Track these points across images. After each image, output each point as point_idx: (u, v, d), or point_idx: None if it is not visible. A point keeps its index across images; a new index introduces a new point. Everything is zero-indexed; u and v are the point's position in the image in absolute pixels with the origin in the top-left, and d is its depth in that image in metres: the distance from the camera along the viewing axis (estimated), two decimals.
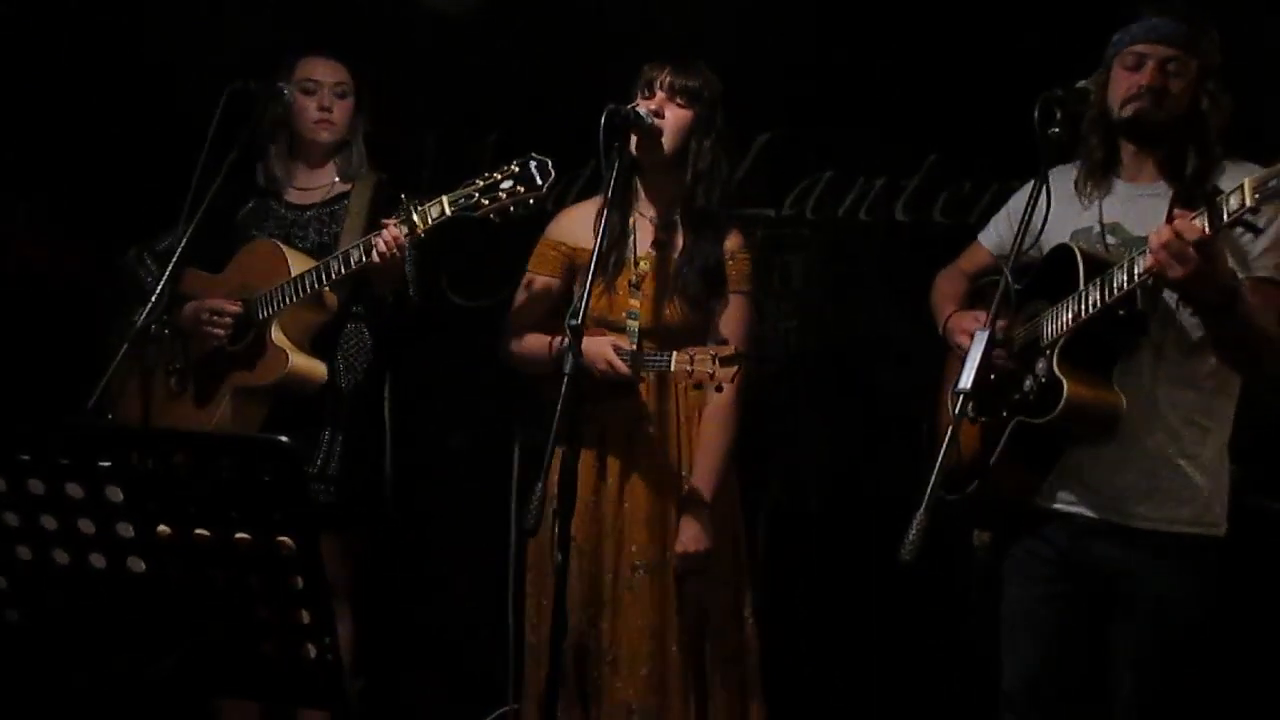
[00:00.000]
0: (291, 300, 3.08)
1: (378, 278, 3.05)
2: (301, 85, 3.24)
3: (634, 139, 2.88)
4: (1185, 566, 2.55)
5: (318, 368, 3.16)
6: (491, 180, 2.84)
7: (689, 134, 2.95)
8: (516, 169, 2.82)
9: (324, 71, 3.26)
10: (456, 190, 2.88)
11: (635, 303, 2.99)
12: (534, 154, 2.82)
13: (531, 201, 2.83)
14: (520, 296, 3.13)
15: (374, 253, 2.93)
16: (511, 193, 2.82)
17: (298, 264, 3.11)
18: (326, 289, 3.12)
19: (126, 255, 3.35)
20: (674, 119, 2.93)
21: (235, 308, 3.15)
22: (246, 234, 3.27)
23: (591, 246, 2.88)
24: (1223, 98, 2.53)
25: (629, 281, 3.01)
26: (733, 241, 3.04)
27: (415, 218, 2.92)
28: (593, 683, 3.00)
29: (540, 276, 3.12)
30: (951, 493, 2.67)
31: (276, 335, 3.12)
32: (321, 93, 3.25)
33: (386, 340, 3.29)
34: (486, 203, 2.84)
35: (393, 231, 2.92)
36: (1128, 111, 2.54)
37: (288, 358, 3.10)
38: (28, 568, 1.89)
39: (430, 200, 2.91)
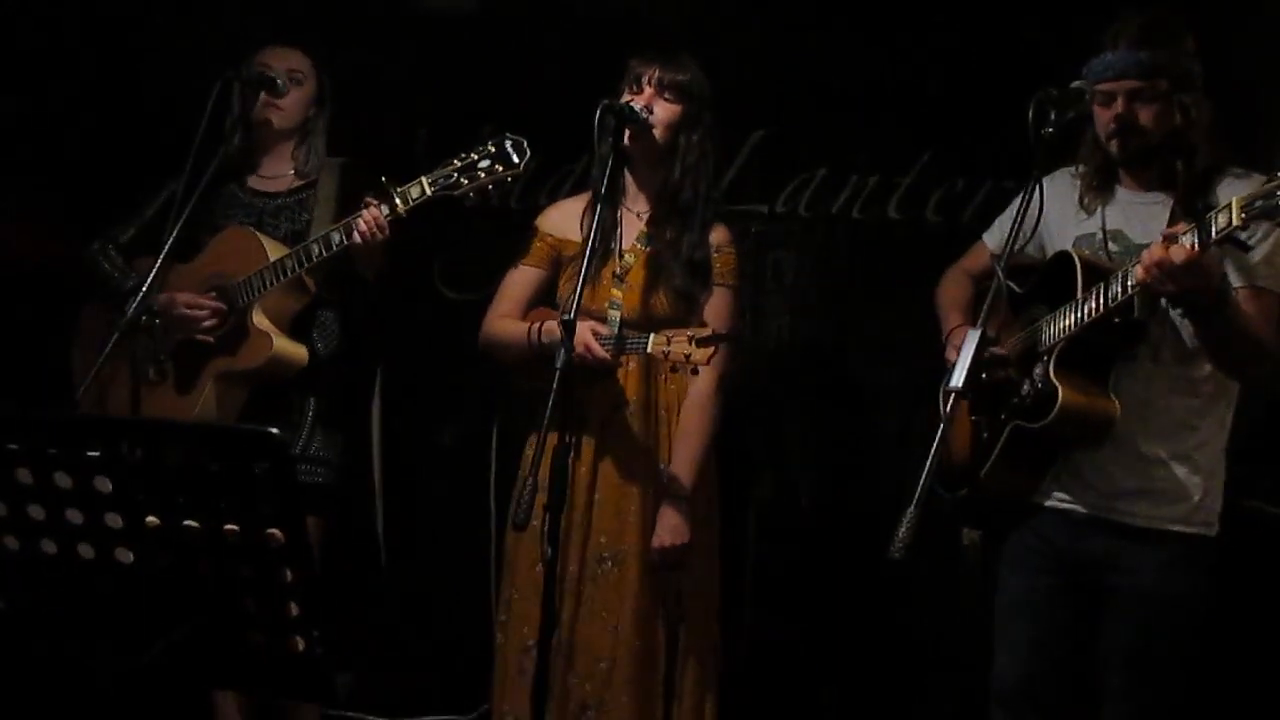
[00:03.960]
0: (272, 285, 3.08)
1: (360, 259, 3.04)
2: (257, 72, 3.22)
3: (627, 134, 2.89)
4: (1177, 564, 2.57)
5: (300, 351, 3.15)
6: (469, 160, 2.86)
7: (678, 129, 2.96)
8: (493, 148, 2.85)
9: (276, 58, 3.24)
10: (435, 170, 2.90)
11: (618, 293, 2.99)
12: (509, 133, 2.85)
13: (509, 180, 2.87)
14: (503, 285, 3.14)
15: (355, 234, 2.93)
16: (490, 171, 2.85)
17: (274, 251, 3.10)
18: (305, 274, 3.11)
19: (89, 248, 3.33)
20: (663, 114, 2.94)
21: (213, 301, 3.13)
22: (214, 222, 3.24)
23: (578, 239, 2.88)
24: (1200, 106, 2.53)
25: (613, 273, 3.02)
26: (719, 235, 3.04)
27: (396, 199, 2.92)
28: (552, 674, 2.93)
29: (524, 267, 3.13)
30: (944, 491, 2.68)
31: (259, 320, 3.11)
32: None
33: (367, 321, 3.28)
34: (465, 182, 2.86)
35: (374, 212, 2.92)
36: (1112, 147, 2.57)
37: (272, 341, 3.09)
38: (15, 558, 1.88)
39: (410, 181, 2.92)
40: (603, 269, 3.02)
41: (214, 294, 3.14)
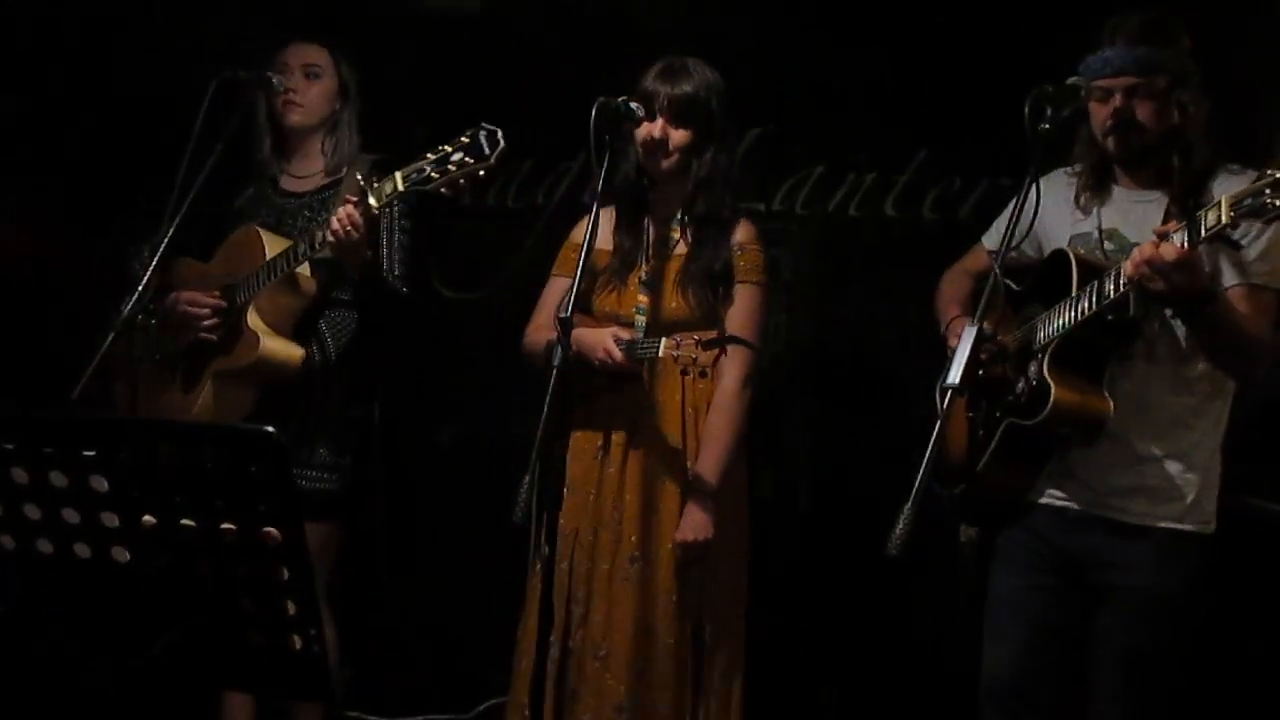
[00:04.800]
0: (264, 284, 3.07)
1: (341, 257, 3.00)
2: (277, 70, 3.23)
3: (641, 154, 2.96)
4: (1172, 561, 2.58)
5: (292, 351, 3.14)
6: (442, 153, 2.77)
7: (689, 151, 3.00)
8: (466, 140, 2.75)
9: (294, 54, 3.25)
10: (409, 165, 2.83)
11: (644, 299, 3.02)
12: (484, 124, 2.75)
13: (481, 173, 2.75)
14: (542, 297, 3.18)
15: (328, 231, 2.91)
16: (461, 164, 2.75)
17: (274, 248, 3.09)
18: (305, 273, 3.10)
19: (124, 249, 3.34)
20: (676, 140, 2.98)
21: (213, 299, 3.14)
22: (242, 221, 3.25)
23: (611, 249, 2.91)
24: (1198, 104, 2.54)
25: (639, 279, 3.04)
26: (743, 234, 3.05)
27: (370, 195, 2.87)
28: (579, 677, 2.97)
29: (560, 277, 3.17)
30: (941, 487, 2.68)
31: (252, 319, 3.11)
32: (291, 75, 3.23)
33: (367, 323, 3.26)
34: (437, 176, 2.77)
35: (347, 209, 2.88)
36: (1109, 143, 2.58)
37: (259, 340, 3.08)
38: (12, 557, 1.88)
39: (385, 177, 2.86)
40: (629, 275, 3.06)
41: (218, 293, 3.15)
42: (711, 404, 3.02)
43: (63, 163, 3.90)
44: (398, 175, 2.84)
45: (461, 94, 3.92)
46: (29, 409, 1.87)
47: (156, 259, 3.00)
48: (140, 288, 2.99)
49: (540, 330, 3.13)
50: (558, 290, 3.16)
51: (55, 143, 3.89)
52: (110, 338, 2.96)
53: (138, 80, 3.84)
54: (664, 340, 2.80)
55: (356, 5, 3.88)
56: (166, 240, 3.01)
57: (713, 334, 2.79)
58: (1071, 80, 2.54)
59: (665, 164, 2.99)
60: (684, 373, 2.86)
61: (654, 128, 2.96)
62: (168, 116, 3.26)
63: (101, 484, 1.80)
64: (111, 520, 1.82)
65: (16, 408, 1.87)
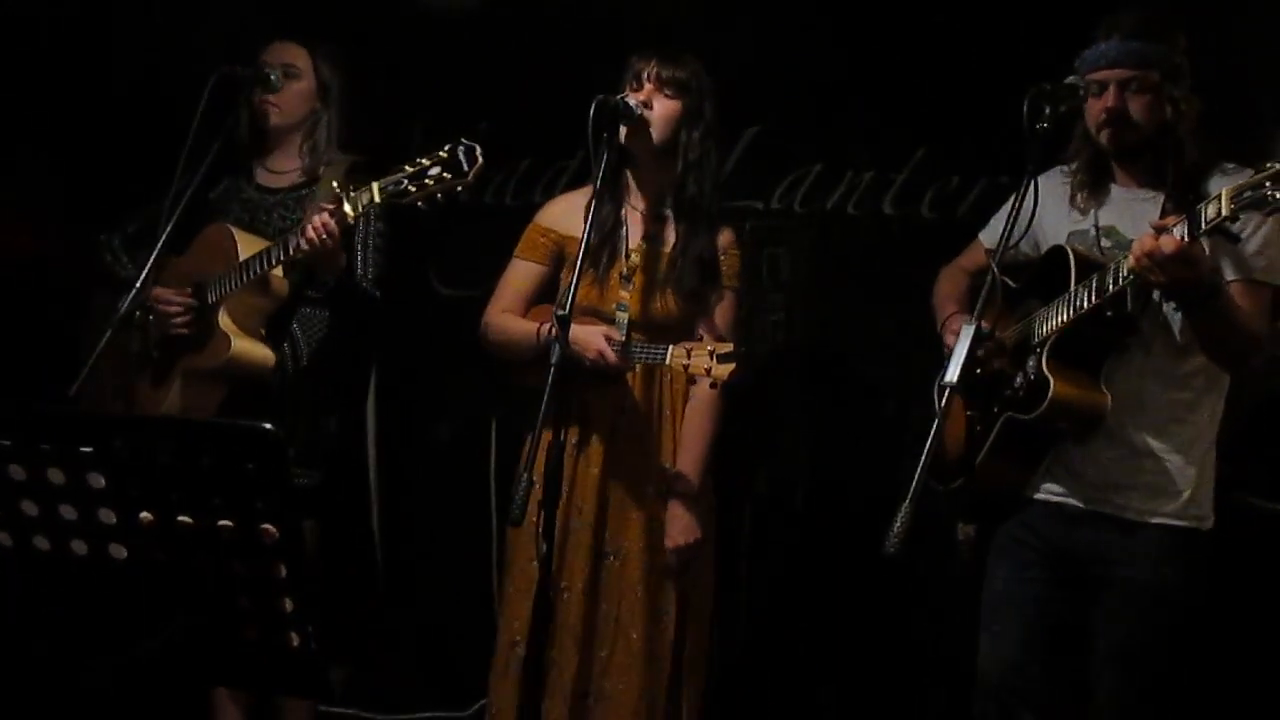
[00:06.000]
0: (237, 285, 3.07)
1: (315, 263, 3.01)
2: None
3: (624, 130, 2.89)
4: (1170, 557, 2.59)
5: (263, 353, 3.13)
6: (420, 167, 2.77)
7: (677, 125, 2.97)
8: (445, 155, 2.75)
9: (273, 54, 3.25)
10: (387, 176, 2.82)
11: (625, 294, 3.00)
12: (463, 139, 2.75)
13: (459, 189, 2.75)
14: (504, 279, 3.14)
15: (303, 238, 2.90)
16: (439, 179, 2.75)
17: (247, 248, 3.09)
18: (277, 274, 3.10)
19: (99, 239, 3.33)
20: (662, 110, 2.94)
21: (183, 296, 3.14)
22: (214, 215, 3.25)
23: (580, 235, 2.89)
24: (1190, 101, 2.56)
25: (620, 274, 3.02)
26: (724, 238, 3.06)
27: (346, 204, 2.86)
28: (547, 662, 2.98)
29: (526, 261, 3.13)
30: (939, 484, 2.69)
31: (223, 320, 3.11)
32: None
33: (342, 325, 3.25)
34: (414, 189, 2.77)
35: (322, 217, 2.87)
36: (1103, 137, 2.59)
37: (230, 342, 3.08)
38: (8, 554, 1.89)
39: (363, 187, 2.86)
40: (610, 270, 3.03)
41: (190, 290, 3.14)
42: (690, 407, 3.03)
43: (63, 163, 3.90)
44: (375, 186, 2.83)
45: (460, 93, 3.92)
46: (27, 405, 1.87)
47: (154, 256, 3.00)
48: (139, 284, 2.99)
49: (500, 315, 3.10)
50: (519, 273, 3.12)
51: (55, 143, 3.89)
52: (107, 335, 2.96)
53: (138, 80, 3.85)
54: (671, 349, 2.79)
55: (356, 5, 3.88)
56: (165, 238, 3.01)
57: (726, 346, 2.77)
58: (1069, 79, 2.56)
59: (651, 135, 2.93)
60: (692, 381, 2.87)
61: (639, 94, 2.93)
62: (167, 116, 3.26)
63: (99, 481, 1.80)
64: (109, 517, 1.82)
65: (14, 404, 1.87)
